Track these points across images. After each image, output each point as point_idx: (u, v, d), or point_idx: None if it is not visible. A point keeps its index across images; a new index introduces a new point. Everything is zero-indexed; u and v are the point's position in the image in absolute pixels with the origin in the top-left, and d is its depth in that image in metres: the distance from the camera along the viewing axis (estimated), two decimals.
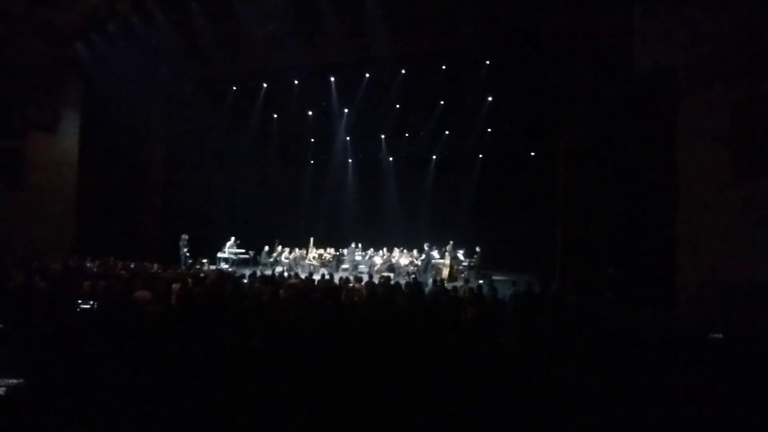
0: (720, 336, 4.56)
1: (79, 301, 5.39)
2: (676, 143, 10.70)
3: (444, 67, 15.92)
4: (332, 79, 17.59)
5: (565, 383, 3.86)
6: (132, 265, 11.81)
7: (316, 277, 11.23)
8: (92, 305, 5.40)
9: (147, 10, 14.83)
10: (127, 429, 3.21)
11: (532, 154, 18.36)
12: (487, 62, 15.32)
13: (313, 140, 21.28)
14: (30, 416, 3.17)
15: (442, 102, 17.78)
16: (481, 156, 19.54)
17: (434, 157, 20.24)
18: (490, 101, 17.08)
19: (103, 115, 16.32)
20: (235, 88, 18.41)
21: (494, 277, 13.18)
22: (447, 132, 19.22)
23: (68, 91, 16.10)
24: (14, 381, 3.17)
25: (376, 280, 10.84)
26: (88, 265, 11.55)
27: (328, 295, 8.18)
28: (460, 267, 15.79)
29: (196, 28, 15.15)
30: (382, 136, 20.27)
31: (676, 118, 10.76)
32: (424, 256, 16.07)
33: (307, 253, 17.85)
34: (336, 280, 10.39)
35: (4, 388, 3.14)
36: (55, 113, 15.80)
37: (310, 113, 19.52)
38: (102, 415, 3.26)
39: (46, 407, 3.24)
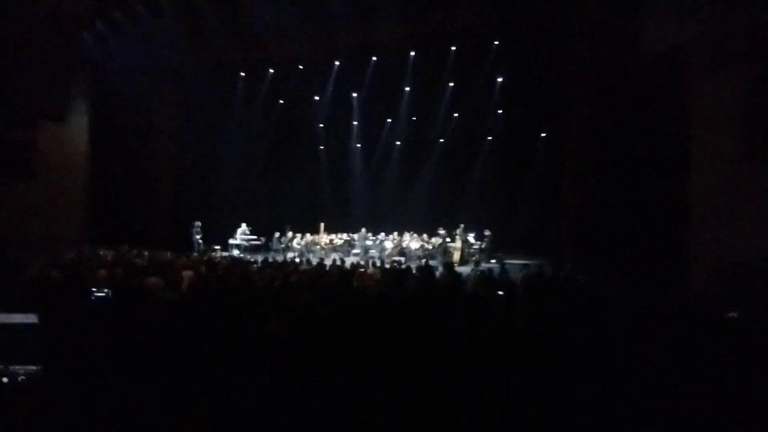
0: (735, 315, 4.53)
1: (94, 290, 5.45)
2: (687, 122, 10.57)
3: (453, 49, 15.78)
4: (337, 63, 17.49)
5: (578, 365, 3.86)
6: (146, 253, 11.90)
7: (327, 262, 11.27)
8: (107, 293, 5.46)
9: None
10: (142, 414, 3.27)
11: (543, 135, 18.20)
12: (496, 43, 15.16)
13: (321, 125, 21.22)
14: (48, 402, 3.25)
15: (451, 84, 17.64)
16: (490, 138, 19.39)
17: (441, 140, 20.11)
18: (500, 82, 16.93)
19: (112, 104, 16.35)
20: (243, 74, 18.38)
21: (506, 260, 13.15)
22: (456, 114, 19.08)
23: (76, 80, 16.12)
24: (33, 368, 3.25)
25: (387, 265, 10.87)
26: (101, 253, 11.65)
27: (339, 279, 8.20)
28: (471, 250, 15.78)
29: (203, 15, 15.11)
30: (389, 120, 20.17)
31: (687, 97, 10.62)
32: (441, 240, 16.07)
33: (318, 239, 17.91)
34: (347, 265, 10.42)
35: (23, 375, 3.22)
36: (64, 103, 15.84)
37: (317, 98, 19.45)
38: (117, 400, 3.31)
39: (63, 393, 3.31)
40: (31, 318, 3.30)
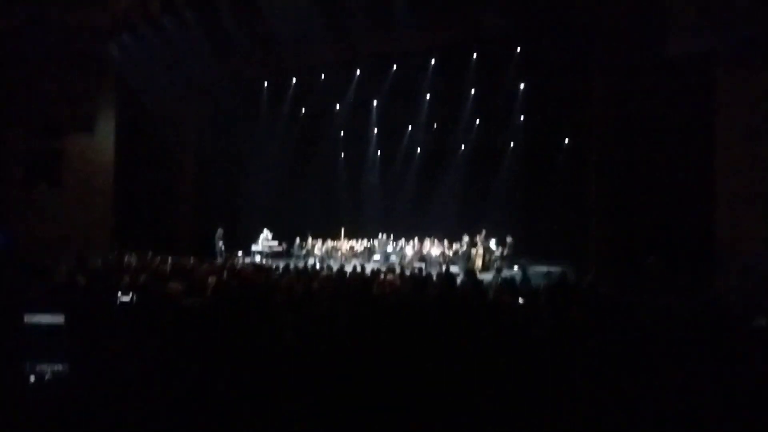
0: (763, 322, 4.43)
1: (119, 294, 5.55)
2: (713, 127, 10.40)
3: (475, 56, 15.77)
4: (358, 72, 17.65)
5: (602, 373, 3.80)
6: (169, 259, 12.04)
7: (348, 269, 11.29)
8: (132, 298, 5.55)
9: (177, 9, 15.11)
10: (163, 413, 3.31)
11: (566, 141, 18.02)
12: (518, 49, 15.11)
13: (342, 133, 21.33)
14: (73, 400, 3.32)
15: (473, 91, 17.61)
16: (512, 145, 19.25)
17: (462, 147, 20.01)
18: (523, 89, 16.84)
19: (138, 114, 16.71)
20: (266, 83, 18.62)
21: (528, 267, 13.03)
22: (478, 121, 19.02)
23: (104, 91, 16.49)
24: (59, 367, 3.34)
25: (407, 272, 10.84)
26: (126, 260, 11.83)
27: (360, 287, 8.20)
28: (493, 257, 15.67)
29: (226, 27, 15.37)
30: (409, 127, 20.17)
31: (713, 102, 10.45)
32: (462, 247, 15.99)
33: (339, 245, 17.97)
34: (368, 271, 10.42)
35: (49, 374, 3.31)
36: (91, 114, 16.21)
37: (338, 106, 19.59)
38: (140, 399, 3.36)
39: (88, 392, 3.39)
40: (58, 318, 3.38)
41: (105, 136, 16.48)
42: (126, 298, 5.54)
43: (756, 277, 8.85)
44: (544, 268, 13.59)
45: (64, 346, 3.39)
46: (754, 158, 9.63)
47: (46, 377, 3.30)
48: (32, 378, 3.29)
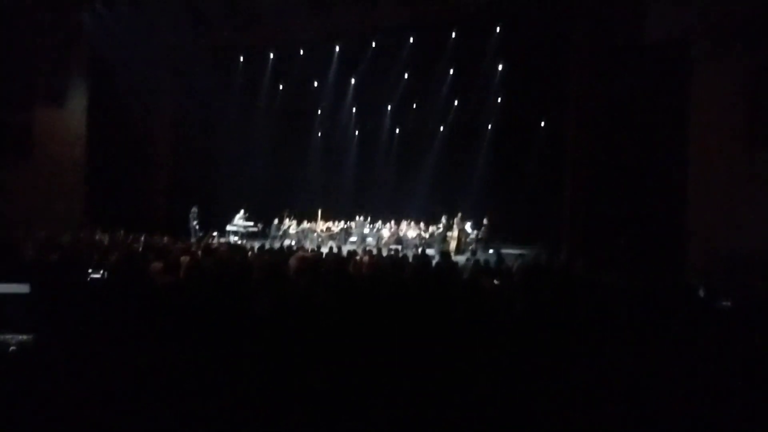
0: (728, 304, 4.56)
1: (90, 270, 5.46)
2: (688, 111, 10.57)
3: (454, 35, 15.70)
4: (337, 48, 17.45)
5: (573, 354, 3.86)
6: (142, 238, 11.87)
7: (324, 250, 11.26)
8: (102, 275, 5.47)
9: None
10: (132, 385, 3.28)
11: (542, 123, 18.11)
12: (498, 29, 15.09)
13: (319, 111, 21.10)
14: (39, 371, 3.24)
15: (451, 71, 17.56)
16: (490, 126, 19.26)
17: (441, 128, 19.96)
18: (501, 70, 16.84)
19: (111, 87, 16.27)
20: (242, 58, 18.29)
21: (503, 250, 13.15)
22: (456, 102, 18.98)
23: (75, 63, 15.97)
24: (24, 337, 3.24)
25: (384, 253, 10.87)
26: (98, 237, 11.63)
27: (335, 266, 8.20)
28: (468, 239, 15.78)
29: None
30: (389, 107, 20.05)
31: (688, 88, 10.61)
32: (438, 229, 16.06)
33: (315, 226, 17.90)
34: (344, 253, 10.41)
35: (14, 345, 3.23)
36: (62, 85, 15.71)
37: (316, 84, 19.37)
38: (108, 370, 3.31)
39: (54, 363, 3.31)
40: (23, 288, 3.29)
41: (76, 108, 15.99)
42: (97, 275, 5.46)
43: (724, 261, 9.08)
44: (516, 251, 13.73)
45: (30, 317, 3.30)
46: (727, 142, 9.81)
47: (11, 348, 3.20)
48: None
